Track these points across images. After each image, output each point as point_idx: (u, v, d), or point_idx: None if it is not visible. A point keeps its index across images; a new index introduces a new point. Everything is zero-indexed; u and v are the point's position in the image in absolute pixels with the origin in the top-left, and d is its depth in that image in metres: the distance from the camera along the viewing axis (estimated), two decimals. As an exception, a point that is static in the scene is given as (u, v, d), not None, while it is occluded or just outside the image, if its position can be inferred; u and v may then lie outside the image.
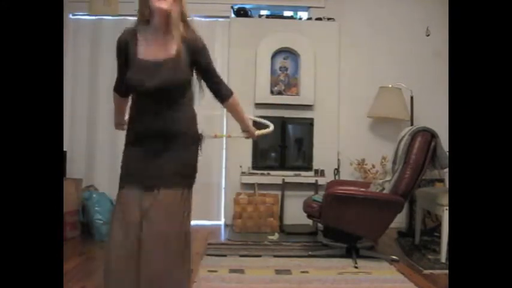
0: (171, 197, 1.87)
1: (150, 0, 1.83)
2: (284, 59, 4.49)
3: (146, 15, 1.89)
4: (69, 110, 4.51)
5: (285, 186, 4.26)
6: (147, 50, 1.91)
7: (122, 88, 2.07)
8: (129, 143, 2.00)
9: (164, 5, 1.82)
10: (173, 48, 1.88)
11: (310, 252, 3.36)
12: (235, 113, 2.14)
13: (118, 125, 2.29)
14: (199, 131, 2.03)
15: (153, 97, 1.89)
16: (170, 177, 1.89)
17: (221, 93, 2.03)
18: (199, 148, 2.01)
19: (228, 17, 4.52)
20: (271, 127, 2.42)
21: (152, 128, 1.91)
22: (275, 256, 3.31)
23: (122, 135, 2.25)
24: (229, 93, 2.05)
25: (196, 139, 2.00)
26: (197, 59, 1.94)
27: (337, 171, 4.38)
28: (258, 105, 4.39)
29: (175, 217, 1.87)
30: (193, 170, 2.00)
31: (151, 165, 1.90)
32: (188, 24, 1.94)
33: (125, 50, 1.98)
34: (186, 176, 1.94)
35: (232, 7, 4.53)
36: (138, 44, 1.94)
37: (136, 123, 1.97)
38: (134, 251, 1.82)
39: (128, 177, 1.96)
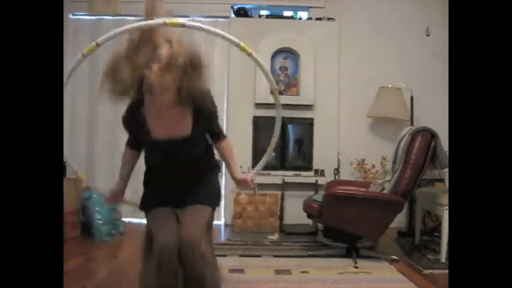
0: (198, 207, 1.96)
1: (145, 73, 1.65)
2: (284, 59, 4.49)
3: (146, 90, 1.73)
4: (69, 110, 4.51)
5: (285, 186, 4.26)
6: (159, 128, 1.85)
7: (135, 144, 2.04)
8: (149, 180, 2.07)
9: (155, 78, 1.63)
10: (186, 124, 1.86)
11: (310, 252, 3.36)
12: (228, 154, 2.08)
13: (117, 193, 2.07)
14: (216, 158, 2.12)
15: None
16: (197, 199, 1.97)
17: (219, 135, 2.06)
18: (219, 175, 2.13)
19: (228, 17, 4.52)
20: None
21: (173, 171, 1.98)
22: (275, 256, 3.31)
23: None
24: (224, 136, 2.08)
25: (216, 170, 2.10)
26: (206, 122, 1.95)
27: (337, 171, 4.38)
28: (258, 105, 4.39)
29: (203, 217, 1.94)
30: (218, 194, 2.09)
31: (178, 195, 1.97)
32: (191, 67, 1.70)
33: (133, 130, 1.95)
34: (211, 198, 2.03)
35: (232, 7, 4.53)
36: (146, 123, 1.85)
37: (154, 170, 2.06)
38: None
39: (156, 202, 2.00)
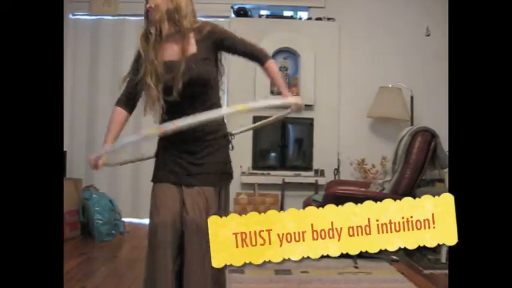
0: (207, 193, 1.87)
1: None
2: (284, 59, 4.49)
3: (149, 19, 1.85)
4: (69, 110, 4.51)
5: (285, 186, 4.26)
6: (162, 53, 1.85)
7: (131, 96, 1.93)
8: (161, 148, 1.96)
9: (152, 3, 1.79)
10: (187, 47, 1.84)
11: (310, 252, 3.36)
12: (275, 75, 1.95)
13: (96, 160, 1.84)
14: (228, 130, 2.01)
15: (178, 100, 1.83)
16: (207, 176, 1.88)
17: (261, 54, 1.93)
18: (230, 146, 2.00)
19: (228, 17, 4.52)
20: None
21: (183, 131, 1.85)
22: (275, 256, 3.31)
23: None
24: (268, 55, 1.94)
25: (227, 138, 1.97)
26: (219, 43, 1.90)
27: (337, 171, 4.38)
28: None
29: (210, 212, 1.84)
30: (228, 168, 1.98)
31: (188, 167, 1.89)
32: (185, 16, 1.83)
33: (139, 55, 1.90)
34: (221, 174, 1.93)
35: (232, 7, 4.53)
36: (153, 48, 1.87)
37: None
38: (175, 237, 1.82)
39: (165, 176, 1.92)
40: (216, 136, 1.92)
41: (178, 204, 1.86)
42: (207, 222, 1.80)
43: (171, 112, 1.87)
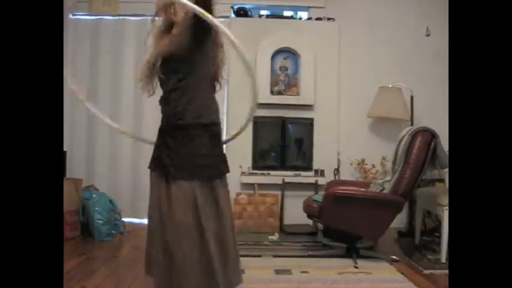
0: (177, 188, 1.86)
1: None
2: (284, 59, 4.49)
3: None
4: (69, 110, 4.51)
5: (285, 186, 4.26)
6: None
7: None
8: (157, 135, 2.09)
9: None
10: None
11: (310, 252, 3.36)
12: None
13: None
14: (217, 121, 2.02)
15: (161, 80, 1.98)
16: (177, 169, 1.86)
17: None
18: (216, 138, 1.97)
19: (228, 17, 4.52)
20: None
21: (164, 117, 2.00)
22: (275, 256, 3.31)
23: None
24: None
25: (205, 128, 1.92)
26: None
27: (337, 171, 4.38)
28: (258, 105, 4.38)
29: (186, 208, 1.85)
30: (205, 160, 1.90)
31: (164, 158, 1.93)
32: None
33: None
34: (192, 167, 1.87)
35: (232, 7, 4.53)
36: None
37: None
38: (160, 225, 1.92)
39: (152, 164, 2.05)
40: (192, 123, 1.89)
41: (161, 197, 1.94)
42: (177, 219, 1.85)
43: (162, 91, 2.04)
